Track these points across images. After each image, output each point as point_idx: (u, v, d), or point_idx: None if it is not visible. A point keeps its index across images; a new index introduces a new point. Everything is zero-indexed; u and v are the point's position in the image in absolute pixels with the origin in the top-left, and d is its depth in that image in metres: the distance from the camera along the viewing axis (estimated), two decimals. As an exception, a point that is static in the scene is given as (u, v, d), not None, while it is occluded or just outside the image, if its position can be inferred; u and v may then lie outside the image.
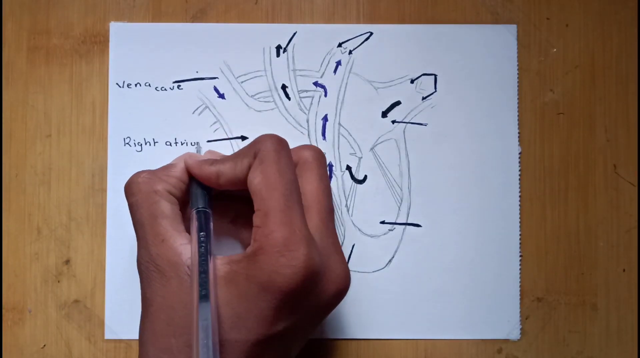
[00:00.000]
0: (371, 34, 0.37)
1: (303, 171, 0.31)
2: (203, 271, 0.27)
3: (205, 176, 0.30)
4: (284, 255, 0.27)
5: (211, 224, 0.30)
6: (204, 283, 0.26)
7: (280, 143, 0.29)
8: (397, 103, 0.37)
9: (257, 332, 0.27)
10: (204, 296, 0.26)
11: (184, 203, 0.31)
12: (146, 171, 0.31)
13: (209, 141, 0.37)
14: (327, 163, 0.37)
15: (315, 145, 0.36)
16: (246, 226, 0.33)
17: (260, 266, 0.27)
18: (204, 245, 0.28)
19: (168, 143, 0.37)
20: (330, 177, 0.37)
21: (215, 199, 0.33)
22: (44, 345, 0.36)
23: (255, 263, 0.27)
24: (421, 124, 0.37)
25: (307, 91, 0.37)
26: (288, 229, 0.27)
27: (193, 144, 0.36)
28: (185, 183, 0.31)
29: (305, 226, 0.28)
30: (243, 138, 0.37)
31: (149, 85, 0.37)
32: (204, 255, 0.27)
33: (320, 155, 0.32)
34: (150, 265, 0.29)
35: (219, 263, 0.28)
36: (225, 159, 0.31)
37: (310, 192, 0.30)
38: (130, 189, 0.30)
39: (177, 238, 0.29)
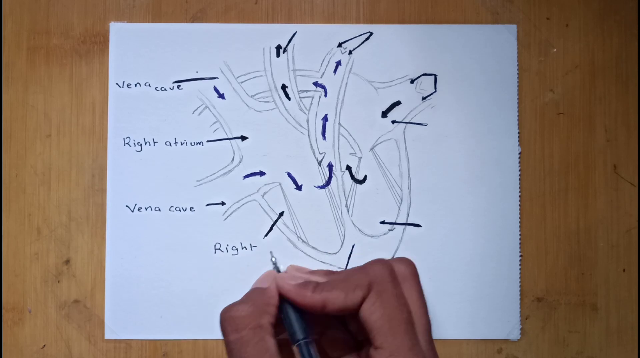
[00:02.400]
0: (371, 34, 0.37)
1: (403, 288, 0.30)
2: None
3: (309, 305, 0.29)
4: None
5: (315, 354, 0.29)
6: None
7: (393, 270, 0.29)
8: (397, 103, 0.37)
9: None
10: None
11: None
12: (244, 304, 0.29)
13: (209, 141, 0.37)
14: (327, 164, 0.37)
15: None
16: (335, 343, 0.32)
17: None
18: None
19: (168, 143, 0.37)
20: (330, 177, 0.37)
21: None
22: (44, 345, 0.36)
23: None
24: (421, 124, 0.37)
25: (307, 91, 0.37)
26: None
27: (273, 260, 0.33)
28: (277, 306, 0.30)
29: None
30: (243, 138, 0.37)
31: (149, 85, 0.37)
32: None
33: (415, 269, 0.31)
34: None
35: None
36: (331, 286, 0.29)
37: (413, 311, 0.29)
38: (233, 324, 0.28)
39: None
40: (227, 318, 0.29)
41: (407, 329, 0.27)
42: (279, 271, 0.32)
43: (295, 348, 0.29)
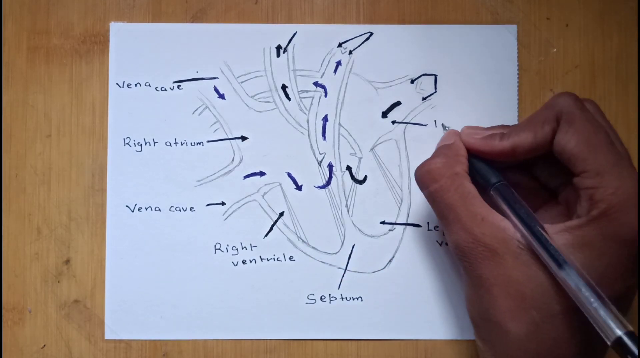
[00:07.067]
0: (371, 34, 0.37)
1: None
2: (546, 240, 0.27)
3: (497, 153, 0.30)
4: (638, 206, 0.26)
5: (515, 192, 0.29)
6: (556, 251, 0.26)
7: (577, 98, 0.29)
8: (397, 103, 0.37)
9: (619, 287, 0.27)
10: (564, 263, 0.26)
11: None
12: (436, 157, 0.31)
13: (209, 141, 0.37)
14: (328, 164, 0.37)
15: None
16: (521, 190, 0.31)
17: (620, 223, 0.26)
18: (527, 215, 0.28)
19: (168, 143, 0.37)
20: (330, 177, 0.37)
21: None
22: (44, 345, 0.36)
23: (612, 222, 0.26)
24: (421, 124, 0.37)
25: (307, 91, 0.37)
26: (632, 180, 0.27)
27: (447, 128, 0.35)
28: (467, 157, 0.31)
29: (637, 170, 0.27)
30: (243, 138, 0.37)
31: (149, 85, 0.37)
32: (535, 225, 0.27)
33: (598, 107, 0.30)
34: (476, 246, 0.28)
35: (551, 232, 0.27)
36: (516, 130, 0.30)
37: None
38: (430, 176, 0.30)
39: (494, 214, 0.28)
40: (424, 172, 0.30)
41: (608, 147, 0.27)
42: None
43: (492, 193, 0.29)
